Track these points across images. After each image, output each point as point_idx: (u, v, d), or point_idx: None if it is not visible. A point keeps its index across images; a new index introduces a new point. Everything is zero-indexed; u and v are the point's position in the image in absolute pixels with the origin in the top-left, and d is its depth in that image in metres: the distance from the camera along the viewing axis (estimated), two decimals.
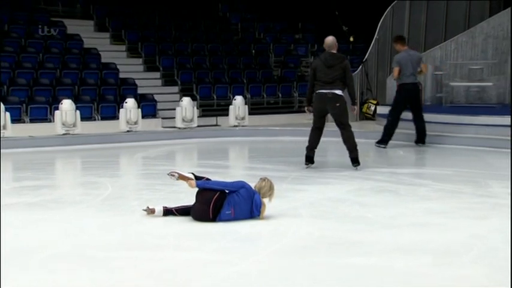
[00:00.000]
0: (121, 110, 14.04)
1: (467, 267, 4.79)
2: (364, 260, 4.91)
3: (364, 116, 15.69)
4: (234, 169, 11.06)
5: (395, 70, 11.90)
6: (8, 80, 15.58)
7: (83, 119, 13.64)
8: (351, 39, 20.50)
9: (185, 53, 19.14)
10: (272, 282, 4.48)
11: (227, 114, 15.25)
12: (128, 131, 13.87)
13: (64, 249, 5.29)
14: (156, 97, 16.68)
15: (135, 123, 13.91)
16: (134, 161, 11.82)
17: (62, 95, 15.17)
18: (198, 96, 17.35)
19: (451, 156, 11.34)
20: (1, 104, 12.77)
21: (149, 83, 17.88)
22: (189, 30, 20.31)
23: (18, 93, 15.18)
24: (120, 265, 4.83)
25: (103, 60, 17.64)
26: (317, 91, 9.36)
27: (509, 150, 10.38)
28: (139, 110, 14.22)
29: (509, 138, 11.09)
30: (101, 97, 16.09)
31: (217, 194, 6.06)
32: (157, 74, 18.40)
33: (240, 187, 6.11)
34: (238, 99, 15.20)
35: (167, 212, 6.29)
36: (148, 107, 16.03)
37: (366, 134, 12.52)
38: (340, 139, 9.63)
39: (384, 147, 11.94)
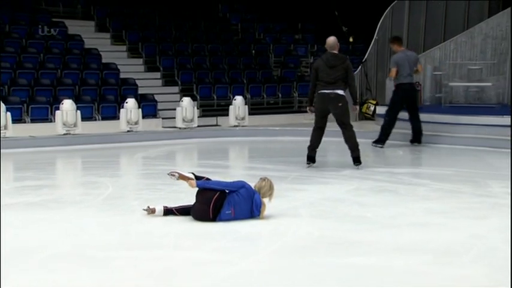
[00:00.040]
0: (121, 110, 14.05)
1: (467, 267, 4.80)
2: (364, 260, 4.92)
3: (364, 116, 15.70)
4: (234, 169, 11.07)
5: (393, 70, 12.01)
6: (9, 80, 15.58)
7: (83, 119, 13.65)
8: (351, 39, 20.51)
9: (185, 53, 19.15)
10: (272, 281, 4.50)
11: (227, 114, 15.26)
12: (128, 131, 13.88)
13: (64, 249, 5.30)
14: (157, 97, 16.69)
15: (136, 123, 13.92)
16: (134, 161, 11.84)
17: (63, 95, 15.18)
18: (198, 97, 17.36)
19: (450, 156, 11.36)
20: (2, 104, 12.79)
21: (149, 83, 17.89)
22: (189, 30, 20.32)
23: (19, 94, 15.19)
24: (120, 265, 4.84)
25: (104, 60, 17.65)
26: (319, 91, 9.42)
27: (509, 150, 10.40)
28: (140, 110, 14.23)
29: (509, 138, 11.10)
30: (102, 97, 16.10)
31: (217, 194, 6.07)
32: (158, 74, 18.41)
33: (240, 187, 6.13)
34: (238, 100, 15.22)
35: (167, 211, 6.31)
36: (149, 107, 16.04)
37: (366, 134, 12.51)
38: (340, 139, 9.68)
39: (381, 147, 12.00)
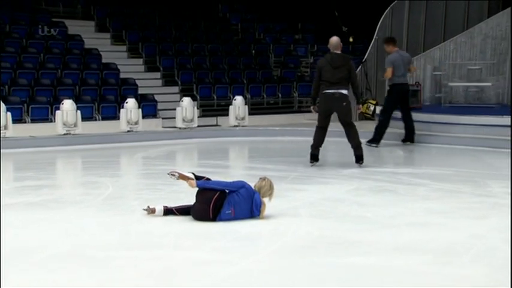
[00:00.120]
0: (121, 110, 14.06)
1: (467, 267, 4.80)
2: (364, 260, 4.92)
3: (364, 116, 15.71)
4: (234, 169, 11.07)
5: (389, 70, 12.14)
6: (9, 80, 15.58)
7: (83, 119, 13.65)
8: (351, 39, 20.49)
9: (185, 53, 19.15)
10: (272, 281, 4.50)
11: (227, 114, 15.27)
12: (128, 131, 13.88)
13: (64, 249, 5.30)
14: (157, 97, 16.69)
15: (136, 123, 13.93)
16: (134, 161, 11.84)
17: (63, 95, 15.17)
18: (198, 97, 17.36)
19: (449, 156, 11.36)
20: (2, 104, 12.80)
21: (150, 83, 17.89)
22: (189, 30, 20.32)
23: (19, 94, 15.19)
24: (120, 265, 4.85)
25: (104, 60, 17.65)
26: (323, 91, 9.52)
27: (508, 150, 10.41)
28: (140, 110, 14.23)
29: (508, 138, 11.11)
30: (102, 97, 16.10)
31: (217, 194, 6.08)
32: (158, 74, 18.41)
33: (240, 187, 6.13)
34: (238, 100, 15.22)
35: (167, 211, 6.31)
36: (149, 107, 16.04)
37: (365, 134, 12.49)
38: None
39: (376, 146, 12.06)
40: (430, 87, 16.15)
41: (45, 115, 14.93)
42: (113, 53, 18.46)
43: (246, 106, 15.44)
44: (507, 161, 9.58)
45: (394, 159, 11.52)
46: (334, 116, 9.81)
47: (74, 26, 18.92)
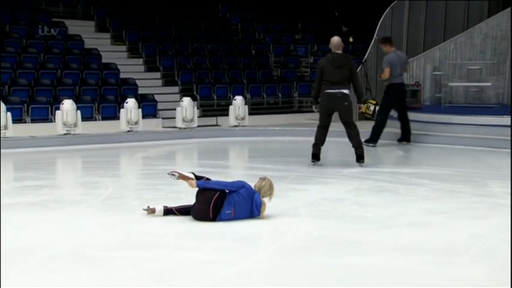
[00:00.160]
0: (121, 110, 14.06)
1: (467, 267, 4.80)
2: (364, 260, 4.92)
3: (364, 116, 15.71)
4: (234, 169, 11.08)
5: (387, 71, 12.24)
6: (9, 80, 15.58)
7: (83, 119, 13.65)
8: (351, 39, 20.48)
9: (185, 53, 19.14)
10: (272, 281, 4.50)
11: (227, 114, 15.27)
12: (128, 131, 13.88)
13: (64, 249, 5.30)
14: (157, 97, 16.68)
15: (136, 123, 13.93)
16: (134, 161, 11.84)
17: (63, 95, 15.17)
18: (198, 97, 17.35)
19: (449, 156, 11.36)
20: (2, 104, 12.80)
21: (150, 83, 17.88)
22: (189, 30, 20.31)
23: (19, 94, 15.19)
24: (120, 265, 4.85)
25: (104, 60, 17.65)
26: (325, 91, 9.58)
27: (508, 150, 10.41)
28: (140, 110, 14.24)
29: (508, 138, 11.11)
30: (102, 97, 16.10)
31: (217, 194, 6.08)
32: (158, 74, 18.41)
33: (240, 187, 6.13)
34: (238, 100, 15.22)
35: (167, 211, 6.31)
36: (149, 107, 16.03)
37: (365, 134, 12.50)
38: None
39: (373, 146, 12.09)
40: (430, 87, 16.16)
41: (45, 115, 14.93)
42: (113, 53, 18.46)
43: (246, 106, 15.44)
44: (507, 161, 9.58)
45: (394, 159, 11.53)
46: (335, 115, 9.85)
47: (74, 26, 18.91)
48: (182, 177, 6.30)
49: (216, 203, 6.04)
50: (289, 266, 4.80)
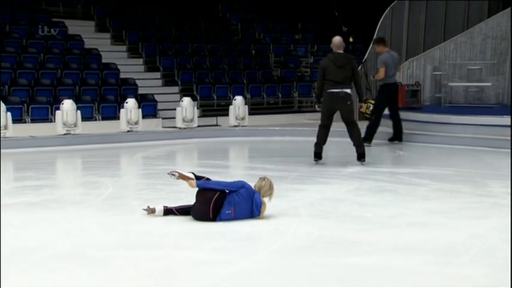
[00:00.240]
0: (121, 110, 14.06)
1: (467, 267, 4.80)
2: (364, 260, 4.92)
3: (364, 116, 15.73)
4: (234, 169, 11.07)
5: (382, 71, 12.33)
6: (9, 80, 15.58)
7: (83, 119, 13.65)
8: (351, 39, 20.47)
9: (185, 53, 19.15)
10: (272, 281, 4.50)
11: (227, 114, 15.27)
12: (128, 131, 13.89)
13: (64, 249, 5.30)
14: (157, 97, 16.69)
15: (136, 123, 13.93)
16: (134, 161, 11.84)
17: (63, 95, 15.17)
18: (198, 97, 17.36)
19: (449, 156, 11.36)
20: (2, 104, 12.80)
21: (149, 83, 17.89)
22: (189, 30, 20.32)
23: (19, 94, 15.19)
24: (120, 265, 4.85)
25: (104, 60, 17.65)
26: (328, 90, 9.65)
27: (508, 150, 10.41)
28: (140, 110, 14.24)
29: (508, 138, 11.11)
30: (102, 97, 16.10)
31: (217, 194, 6.08)
32: (158, 74, 18.41)
33: (240, 187, 6.13)
34: (238, 100, 15.22)
35: (167, 211, 6.31)
36: (149, 107, 16.04)
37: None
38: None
39: (368, 145, 12.10)
40: (430, 87, 16.16)
41: (45, 115, 14.93)
42: (113, 53, 18.46)
43: (246, 106, 15.45)
44: (507, 161, 9.58)
45: (394, 159, 11.53)
46: (336, 115, 9.88)
47: (74, 26, 18.91)
48: (182, 177, 6.30)
49: (216, 203, 6.04)
50: (289, 266, 4.80)
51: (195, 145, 13.79)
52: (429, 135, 12.70)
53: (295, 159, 10.70)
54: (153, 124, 15.62)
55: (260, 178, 6.27)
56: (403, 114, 12.63)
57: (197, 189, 6.18)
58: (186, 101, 14.69)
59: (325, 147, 9.96)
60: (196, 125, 14.73)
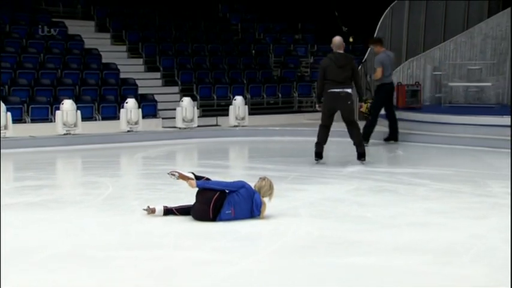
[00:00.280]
0: (121, 110, 14.06)
1: (467, 267, 4.80)
2: (364, 260, 4.92)
3: (364, 116, 15.74)
4: (234, 169, 11.07)
5: (379, 71, 12.36)
6: (9, 80, 15.58)
7: (83, 119, 13.66)
8: (351, 39, 20.48)
9: (185, 53, 19.15)
10: (272, 281, 4.50)
11: (227, 114, 15.27)
12: (128, 131, 13.89)
13: (64, 249, 5.30)
14: (157, 97, 16.69)
15: (136, 123, 13.93)
16: (135, 161, 11.84)
17: (63, 95, 15.18)
18: (198, 97, 17.35)
19: (449, 156, 11.36)
20: (2, 104, 12.80)
21: (149, 83, 17.89)
22: (189, 30, 20.32)
23: (19, 94, 15.19)
24: (120, 265, 4.85)
25: (104, 60, 17.65)
26: (329, 90, 9.67)
27: (508, 150, 10.41)
28: (140, 110, 14.24)
29: (508, 138, 11.11)
30: (102, 97, 16.10)
31: (217, 194, 6.08)
32: (158, 74, 18.41)
33: (240, 187, 6.13)
34: (238, 100, 15.22)
35: (167, 211, 6.31)
36: (149, 107, 16.04)
37: None
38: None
39: (365, 145, 12.13)
40: (430, 87, 16.17)
41: (45, 115, 14.93)
42: (113, 53, 18.46)
43: (246, 106, 15.45)
44: (507, 161, 9.58)
45: (394, 159, 11.53)
46: (336, 115, 9.89)
47: (74, 26, 18.92)
48: (182, 177, 6.30)
49: (216, 203, 6.04)
50: (289, 266, 4.80)
51: (195, 145, 13.79)
52: (429, 135, 12.70)
53: (295, 159, 10.70)
54: (153, 124, 15.62)
55: (260, 178, 6.27)
56: (403, 114, 12.64)
57: (197, 189, 6.18)
58: (186, 101, 14.69)
59: (325, 147, 9.97)
60: (196, 125, 14.73)
